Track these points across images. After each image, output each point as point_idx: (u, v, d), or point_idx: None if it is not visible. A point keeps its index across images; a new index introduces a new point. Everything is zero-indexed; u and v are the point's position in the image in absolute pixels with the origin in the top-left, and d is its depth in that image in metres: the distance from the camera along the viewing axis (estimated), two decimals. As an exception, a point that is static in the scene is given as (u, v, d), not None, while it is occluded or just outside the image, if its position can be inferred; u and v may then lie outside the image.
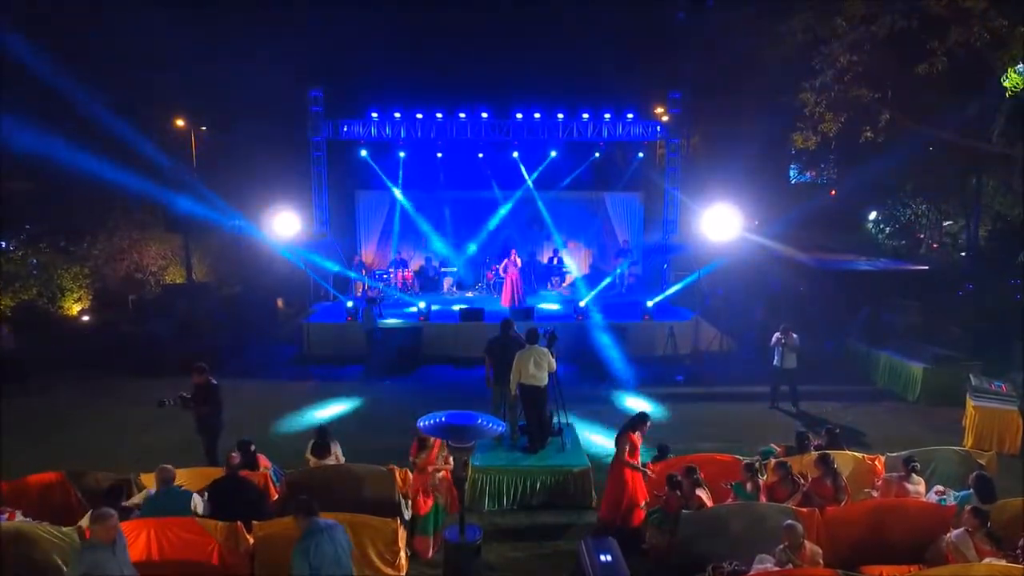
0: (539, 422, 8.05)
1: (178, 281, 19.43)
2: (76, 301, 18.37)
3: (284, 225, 14.86)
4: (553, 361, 8.01)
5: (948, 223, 20.68)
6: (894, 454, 7.55)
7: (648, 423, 6.85)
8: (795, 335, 10.89)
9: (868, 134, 12.17)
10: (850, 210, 23.08)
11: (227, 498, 6.03)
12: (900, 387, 11.99)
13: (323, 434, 7.58)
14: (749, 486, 6.54)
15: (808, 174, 27.00)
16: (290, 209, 15.46)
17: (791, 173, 26.70)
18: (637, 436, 6.71)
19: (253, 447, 7.21)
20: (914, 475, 6.64)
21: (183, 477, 7.03)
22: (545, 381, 7.94)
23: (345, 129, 17.58)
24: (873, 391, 12.34)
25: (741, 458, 7.45)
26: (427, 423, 5.20)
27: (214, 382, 8.22)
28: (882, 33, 11.04)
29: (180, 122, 23.74)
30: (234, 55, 18.29)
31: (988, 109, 12.32)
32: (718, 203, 14.46)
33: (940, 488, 6.69)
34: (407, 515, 7.20)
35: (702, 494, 6.25)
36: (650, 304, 14.82)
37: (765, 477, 6.91)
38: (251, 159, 19.60)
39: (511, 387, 8.00)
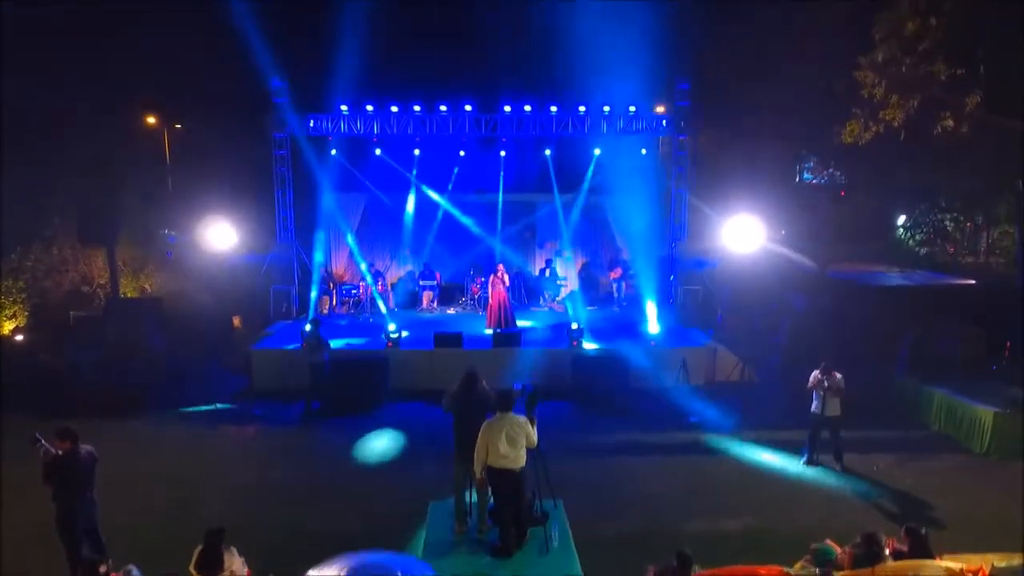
0: (515, 515, 5.92)
1: (130, 295, 17.33)
2: (10, 318, 16.32)
3: (219, 238, 12.75)
4: (533, 433, 5.86)
5: (986, 232, 18.44)
6: (1002, 563, 5.50)
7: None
8: (839, 375, 8.83)
9: (948, 122, 9.64)
10: (875, 215, 20.83)
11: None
12: (962, 434, 9.86)
13: (214, 538, 5.45)
14: (815, 632, 4.47)
15: (819, 177, 24.57)
16: (243, 217, 13.38)
17: (806, 175, 24.40)
18: None
19: (106, 568, 5.13)
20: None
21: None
22: (522, 462, 5.80)
23: (312, 124, 15.49)
24: (927, 437, 10.19)
25: (791, 572, 5.40)
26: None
27: (84, 452, 6.13)
28: None
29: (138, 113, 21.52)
30: (184, 38, 16.18)
31: None
32: (738, 212, 12.43)
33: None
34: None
35: None
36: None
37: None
38: (205, 158, 17.50)
39: (475, 469, 5.89)
